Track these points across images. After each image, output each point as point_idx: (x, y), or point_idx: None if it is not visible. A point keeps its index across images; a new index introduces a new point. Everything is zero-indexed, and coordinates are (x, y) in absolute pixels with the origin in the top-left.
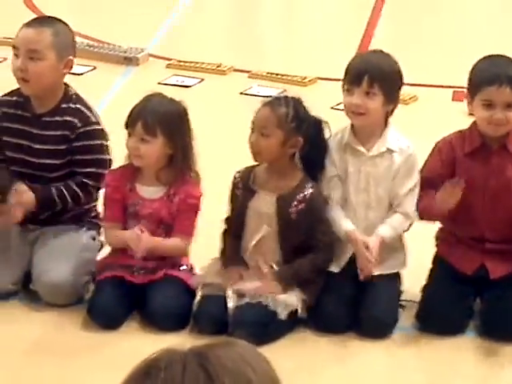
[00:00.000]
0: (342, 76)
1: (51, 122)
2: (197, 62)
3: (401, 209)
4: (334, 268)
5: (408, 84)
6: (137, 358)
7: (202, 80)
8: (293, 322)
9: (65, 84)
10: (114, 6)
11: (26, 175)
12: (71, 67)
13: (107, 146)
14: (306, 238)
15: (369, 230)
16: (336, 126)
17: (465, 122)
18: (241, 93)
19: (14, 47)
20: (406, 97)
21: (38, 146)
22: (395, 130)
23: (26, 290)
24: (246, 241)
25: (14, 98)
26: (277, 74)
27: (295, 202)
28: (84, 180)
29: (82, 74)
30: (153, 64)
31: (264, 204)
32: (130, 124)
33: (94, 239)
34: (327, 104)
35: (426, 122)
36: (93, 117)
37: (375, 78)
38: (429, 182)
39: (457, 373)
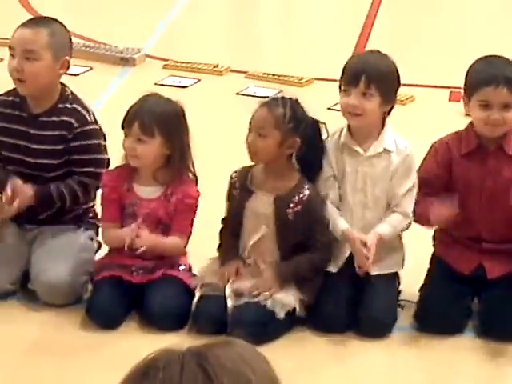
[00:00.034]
0: (338, 76)
1: (48, 122)
2: (193, 63)
3: (399, 208)
4: (332, 268)
5: (405, 84)
6: (135, 357)
7: (199, 80)
8: (291, 322)
9: (61, 84)
10: (111, 6)
11: (23, 175)
12: (67, 67)
13: (105, 145)
14: (303, 238)
15: (365, 229)
16: (333, 126)
17: (461, 123)
18: (237, 93)
19: (10, 47)
20: (402, 97)
21: (34, 146)
22: (392, 131)
23: (24, 290)
24: (244, 241)
25: (11, 99)
26: (273, 75)
27: (292, 203)
28: (82, 179)
29: (78, 74)
30: (149, 64)
31: (261, 204)
32: (126, 124)
33: (91, 239)
34: (324, 104)
35: (423, 122)
36: (90, 116)
37: (372, 78)
38: (425, 183)
39: (456, 372)
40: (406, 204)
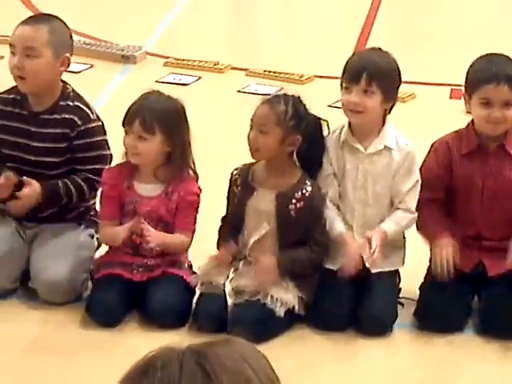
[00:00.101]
0: (339, 74)
1: (49, 120)
2: (194, 60)
3: (403, 205)
4: (332, 266)
5: (406, 82)
6: (136, 355)
7: (200, 78)
8: (291, 320)
9: (62, 81)
10: (112, 4)
11: (24, 173)
12: (68, 65)
13: (107, 140)
14: (303, 236)
15: (366, 226)
16: (333, 124)
17: (462, 120)
18: (238, 91)
19: (11, 45)
20: (403, 94)
21: (36, 144)
22: (393, 128)
23: (24, 288)
24: (245, 238)
25: (12, 96)
26: (274, 72)
27: (295, 199)
28: (89, 176)
29: (79, 72)
30: (150, 62)
31: (263, 201)
32: (127, 122)
33: (92, 237)
34: (324, 102)
35: (424, 119)
36: (92, 114)
37: (373, 76)
38: (426, 183)
39: (456, 370)
40: (409, 200)
